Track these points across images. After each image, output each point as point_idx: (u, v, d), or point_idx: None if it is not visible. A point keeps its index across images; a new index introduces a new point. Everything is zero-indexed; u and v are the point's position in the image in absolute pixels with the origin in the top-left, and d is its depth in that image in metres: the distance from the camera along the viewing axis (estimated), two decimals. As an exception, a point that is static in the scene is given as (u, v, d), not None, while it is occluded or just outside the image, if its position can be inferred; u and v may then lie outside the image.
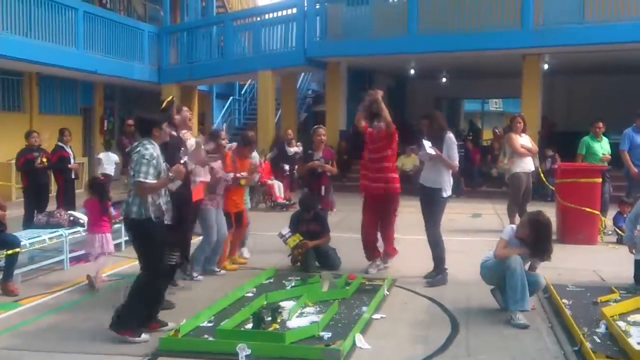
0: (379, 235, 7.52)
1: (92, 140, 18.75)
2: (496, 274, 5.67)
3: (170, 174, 5.15)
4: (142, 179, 4.92)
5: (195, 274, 6.98)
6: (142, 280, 5.12)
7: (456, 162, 6.89)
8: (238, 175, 7.32)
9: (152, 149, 5.02)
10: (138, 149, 5.03)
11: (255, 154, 8.47)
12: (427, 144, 6.70)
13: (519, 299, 5.43)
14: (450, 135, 6.90)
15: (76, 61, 15.32)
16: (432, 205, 6.85)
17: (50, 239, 7.53)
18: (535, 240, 5.59)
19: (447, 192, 6.86)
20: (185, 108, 6.55)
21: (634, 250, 6.74)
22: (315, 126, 8.65)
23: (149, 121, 5.20)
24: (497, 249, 5.65)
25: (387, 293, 6.39)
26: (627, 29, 13.71)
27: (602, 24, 14.00)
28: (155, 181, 4.99)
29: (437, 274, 6.82)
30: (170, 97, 6.87)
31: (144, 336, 4.98)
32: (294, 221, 7.77)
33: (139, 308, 5.06)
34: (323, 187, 8.03)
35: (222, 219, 7.17)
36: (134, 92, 20.14)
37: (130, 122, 11.51)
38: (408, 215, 9.22)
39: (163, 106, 6.34)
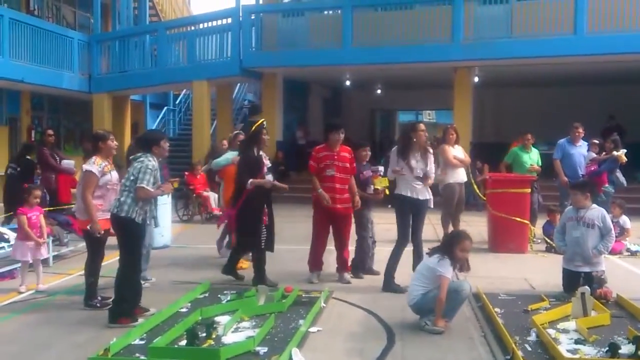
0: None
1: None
2: (433, 302, 5.56)
3: (162, 189, 6.00)
4: (144, 185, 5.71)
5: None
6: (123, 273, 5.82)
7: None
8: None
9: (154, 162, 5.87)
10: (142, 159, 5.85)
11: None
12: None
13: (449, 313, 5.60)
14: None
15: (2, 70, 14.76)
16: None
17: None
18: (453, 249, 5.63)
19: None
20: (111, 137, 6.53)
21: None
22: (236, 132, 9.65)
23: (149, 140, 6.13)
24: (444, 292, 5.44)
25: (324, 305, 6.37)
26: (552, 44, 14.24)
27: (529, 39, 14.50)
28: (152, 190, 5.80)
29: None
30: (261, 120, 7.59)
31: (140, 320, 5.72)
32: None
33: (128, 295, 5.81)
34: None
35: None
36: (63, 102, 19.54)
37: (51, 132, 11.10)
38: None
39: (254, 128, 7.31)
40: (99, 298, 6.37)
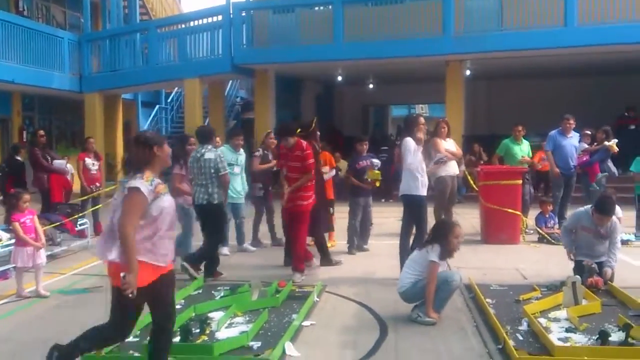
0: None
1: (10, 151, 18.01)
2: (422, 292, 5.61)
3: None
4: (228, 171, 7.23)
5: None
6: (212, 245, 7.27)
7: None
8: None
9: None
10: (212, 150, 7.27)
11: None
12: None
13: (440, 304, 5.64)
14: None
15: (-9, 70, 14.74)
16: None
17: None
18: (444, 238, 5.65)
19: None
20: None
21: (572, 256, 6.86)
22: (268, 131, 10.97)
23: (209, 132, 7.60)
24: (433, 276, 5.52)
25: (317, 299, 6.40)
26: (542, 36, 14.25)
27: (520, 31, 14.51)
28: None
29: None
30: (314, 118, 8.76)
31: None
32: None
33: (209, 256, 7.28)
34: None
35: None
36: (54, 102, 19.49)
37: (42, 132, 11.07)
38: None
39: (312, 127, 7.93)
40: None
